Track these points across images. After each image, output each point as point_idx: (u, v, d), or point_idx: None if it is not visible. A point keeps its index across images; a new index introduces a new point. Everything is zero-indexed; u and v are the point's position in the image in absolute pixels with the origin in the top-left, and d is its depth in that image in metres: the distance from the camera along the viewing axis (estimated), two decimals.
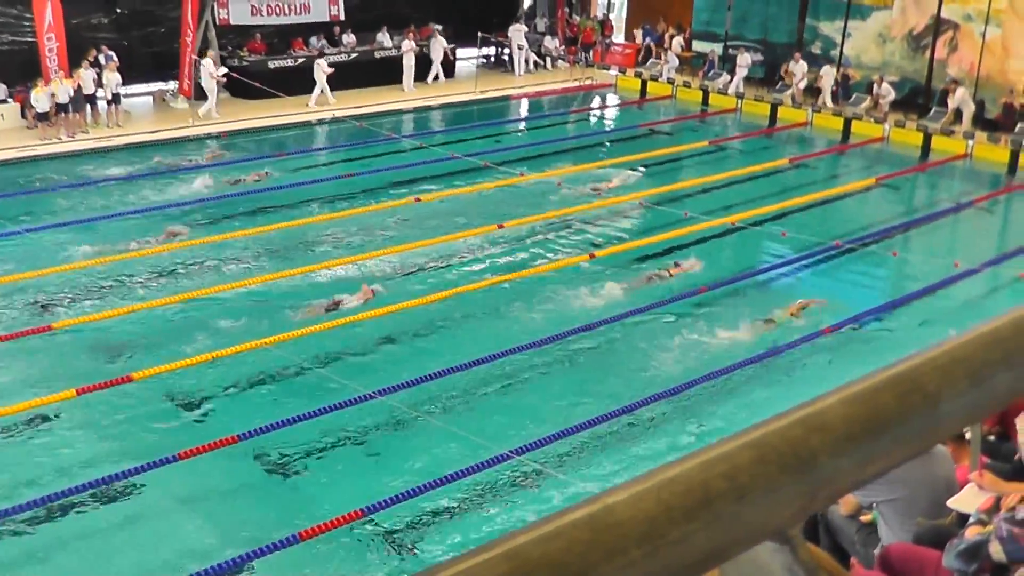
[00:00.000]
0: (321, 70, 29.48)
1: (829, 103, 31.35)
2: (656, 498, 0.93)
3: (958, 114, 29.69)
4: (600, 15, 41.08)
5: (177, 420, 12.50)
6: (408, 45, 32.67)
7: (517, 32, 36.28)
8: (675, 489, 0.95)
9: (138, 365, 13.51)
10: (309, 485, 11.32)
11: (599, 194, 22.36)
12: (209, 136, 25.95)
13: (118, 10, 29.00)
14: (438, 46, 33.70)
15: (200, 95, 27.93)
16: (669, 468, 0.97)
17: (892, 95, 30.65)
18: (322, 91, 29.43)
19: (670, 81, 34.55)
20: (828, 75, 31.67)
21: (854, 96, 31.73)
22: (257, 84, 28.17)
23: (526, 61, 36.67)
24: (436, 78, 33.76)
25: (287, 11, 31.82)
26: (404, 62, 32.44)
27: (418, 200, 21.61)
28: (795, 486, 1.02)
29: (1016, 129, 28.53)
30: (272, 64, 30.17)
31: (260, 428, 11.92)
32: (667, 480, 0.96)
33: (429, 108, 31.09)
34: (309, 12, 32.30)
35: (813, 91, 32.55)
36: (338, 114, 28.26)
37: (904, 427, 1.18)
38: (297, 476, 11.43)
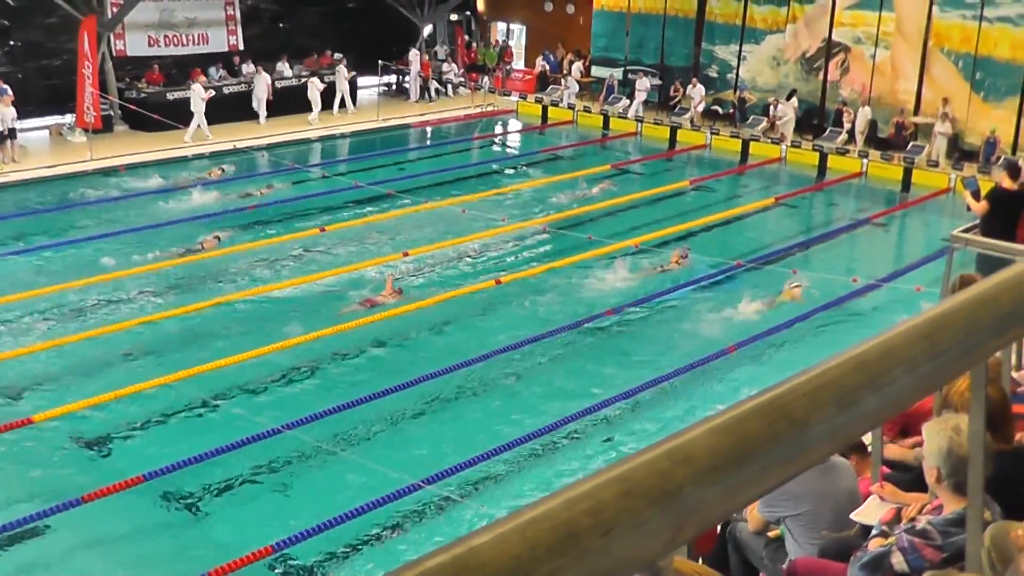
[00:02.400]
0: (198, 96, 28.70)
1: (696, 121, 32.32)
2: (521, 537, 0.93)
3: (852, 133, 30.46)
4: (500, 42, 41.31)
5: (81, 461, 12.16)
6: (313, 75, 32.62)
7: (415, 59, 36.22)
8: (540, 527, 0.95)
9: (39, 406, 13.12)
10: (218, 522, 11.08)
11: (504, 221, 22.27)
12: (109, 170, 25.36)
13: (11, 42, 28.46)
14: (342, 76, 33.41)
15: (138, 124, 27.77)
16: (534, 507, 0.98)
17: (790, 116, 31.14)
18: (199, 125, 28.80)
19: (571, 106, 34.75)
20: (697, 94, 32.51)
21: (751, 118, 32.16)
22: (156, 116, 27.79)
23: (426, 88, 36.67)
24: (343, 106, 33.46)
25: (185, 42, 31.46)
26: (309, 93, 32.13)
27: (323, 230, 21.31)
28: (662, 519, 1.03)
29: (908, 147, 29.21)
30: (171, 95, 29.59)
31: (167, 467, 11.63)
32: (531, 519, 0.96)
33: (332, 137, 30.84)
34: (207, 43, 31.99)
35: (711, 113, 33.19)
36: (239, 145, 27.90)
37: (772, 454, 1.19)
38: (206, 514, 11.21)
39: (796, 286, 18.19)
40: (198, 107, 28.20)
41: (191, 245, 19.65)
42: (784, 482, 1.26)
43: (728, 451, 1.13)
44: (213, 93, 29.26)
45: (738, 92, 32.91)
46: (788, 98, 31.27)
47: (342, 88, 32.97)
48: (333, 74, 33.03)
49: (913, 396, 1.52)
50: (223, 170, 25.34)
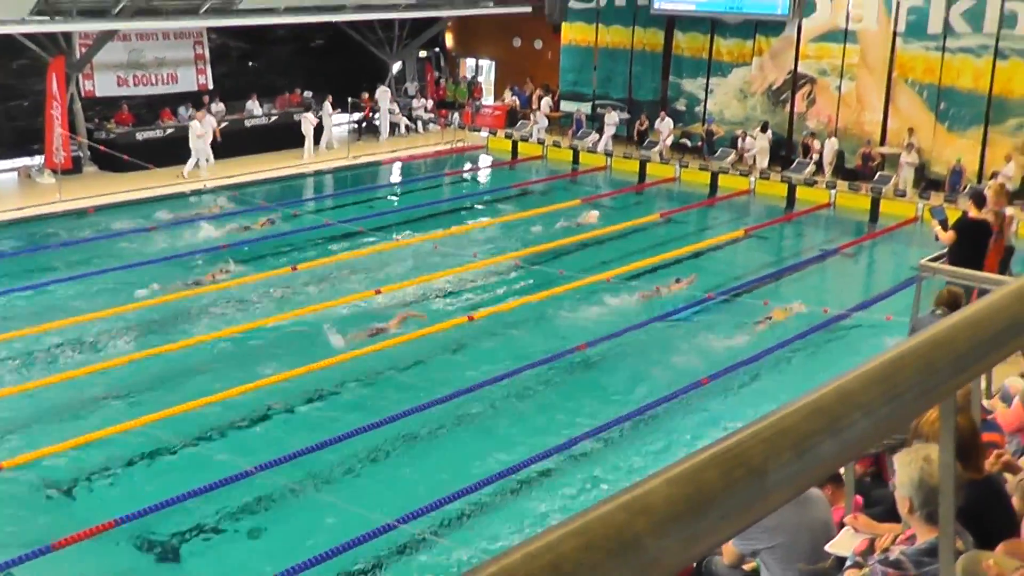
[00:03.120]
0: (195, 132, 28.63)
1: (666, 154, 32.47)
2: None
3: (820, 164, 30.60)
4: (469, 78, 41.37)
5: (51, 507, 11.94)
6: (308, 114, 32.51)
7: (384, 95, 36.09)
8: None
9: (9, 451, 12.93)
10: (193, 567, 10.95)
11: (475, 256, 22.36)
12: (78, 211, 25.10)
13: None
14: (327, 113, 33.33)
15: (107, 164, 27.91)
16: (493, 562, 0.98)
17: (764, 147, 31.36)
18: (196, 163, 28.78)
19: (540, 141, 34.73)
20: (665, 128, 32.79)
21: (719, 151, 32.25)
22: (125, 157, 27.54)
23: (396, 125, 36.58)
24: (329, 145, 33.42)
25: (154, 81, 31.28)
26: (303, 128, 32.08)
27: (295, 269, 21.20)
28: (622, 570, 1.03)
29: (875, 178, 29.26)
30: (140, 135, 29.44)
31: (139, 511, 11.49)
32: (491, 574, 0.96)
33: (302, 176, 30.63)
34: (177, 82, 31.87)
35: (680, 147, 33.32)
36: (209, 184, 27.65)
37: (730, 503, 1.20)
38: (180, 558, 11.08)
39: (785, 308, 18.56)
40: (197, 144, 28.21)
41: (198, 278, 19.89)
42: (743, 529, 1.26)
43: (686, 500, 1.14)
44: (213, 126, 29.29)
45: (706, 125, 33.09)
46: (763, 130, 31.53)
47: (328, 125, 32.88)
48: (309, 111, 32.89)
49: (873, 439, 1.51)
50: (220, 207, 25.70)
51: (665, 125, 33.09)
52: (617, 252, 23.04)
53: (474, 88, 39.93)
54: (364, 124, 36.53)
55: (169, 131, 30.07)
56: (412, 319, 17.45)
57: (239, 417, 14.24)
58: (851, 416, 1.44)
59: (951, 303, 11.15)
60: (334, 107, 33.02)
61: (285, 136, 31.96)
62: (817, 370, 15.77)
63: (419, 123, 36.94)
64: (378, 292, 19.82)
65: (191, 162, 28.76)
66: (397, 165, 32.80)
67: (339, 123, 35.03)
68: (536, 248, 23.01)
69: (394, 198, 28.76)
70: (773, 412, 1.36)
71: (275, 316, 18.22)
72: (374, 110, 35.96)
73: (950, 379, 1.70)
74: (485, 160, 34.85)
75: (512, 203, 28.37)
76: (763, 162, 31.13)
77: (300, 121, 32.20)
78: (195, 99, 31.95)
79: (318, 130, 32.48)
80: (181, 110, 31.37)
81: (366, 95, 35.34)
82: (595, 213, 25.33)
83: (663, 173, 31.95)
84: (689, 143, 33.50)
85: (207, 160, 28.91)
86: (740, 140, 31.83)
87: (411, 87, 39.15)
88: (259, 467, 12.54)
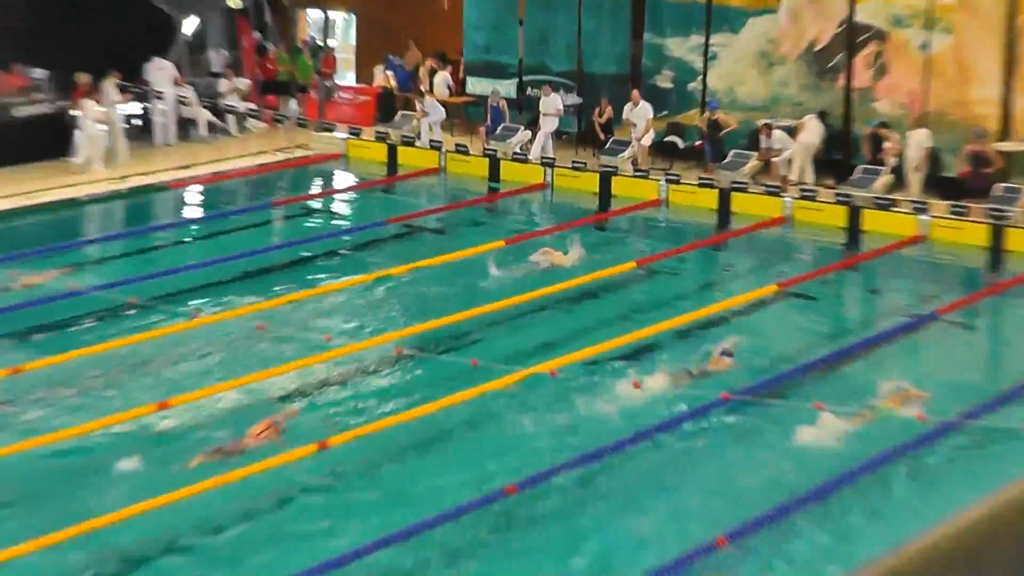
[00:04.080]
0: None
1: (642, 162, 33.02)
2: None
3: (900, 172, 30.16)
4: (313, 42, 41.10)
5: None
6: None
7: (159, 72, 35.42)
8: None
9: None
10: None
11: (327, 341, 21.69)
12: None
13: None
14: (111, 99, 33.21)
15: None
16: None
17: (796, 148, 31.22)
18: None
19: (434, 146, 34.76)
20: (640, 118, 32.90)
21: (730, 154, 31.96)
22: None
23: (192, 122, 36.15)
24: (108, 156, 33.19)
25: None
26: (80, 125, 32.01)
27: (17, 371, 20.34)
28: None
29: (995, 194, 28.69)
30: None
31: None
32: None
33: (34, 211, 30.16)
34: None
35: (665, 149, 33.23)
36: None
37: None
38: None
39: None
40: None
41: None
42: None
43: None
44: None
45: (707, 113, 32.78)
46: (819, 118, 31.65)
47: (91, 125, 32.67)
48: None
49: None
50: None
51: (640, 114, 32.79)
52: (566, 325, 23.30)
53: (323, 59, 39.87)
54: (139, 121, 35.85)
55: None
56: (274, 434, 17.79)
57: None
58: None
59: None
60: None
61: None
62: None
63: (230, 119, 36.78)
64: (162, 407, 18.73)
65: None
66: (194, 190, 32.69)
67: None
68: (431, 324, 22.79)
69: (188, 246, 28.49)
70: None
71: None
72: (146, 98, 35.54)
73: None
74: (343, 178, 35.26)
75: (388, 250, 28.40)
76: (803, 171, 30.99)
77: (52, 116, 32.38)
78: None
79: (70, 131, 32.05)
80: None
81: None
82: (571, 253, 26.13)
83: (639, 192, 31.77)
84: (680, 143, 33.69)
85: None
86: (764, 136, 31.53)
87: (215, 58, 38.99)
88: None
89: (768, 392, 19.98)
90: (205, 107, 36.39)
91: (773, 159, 31.51)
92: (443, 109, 35.68)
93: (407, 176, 34.67)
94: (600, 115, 34.15)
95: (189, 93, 36.12)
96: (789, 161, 31.31)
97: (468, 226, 30.66)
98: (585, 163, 33.08)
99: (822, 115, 31.55)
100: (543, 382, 20.09)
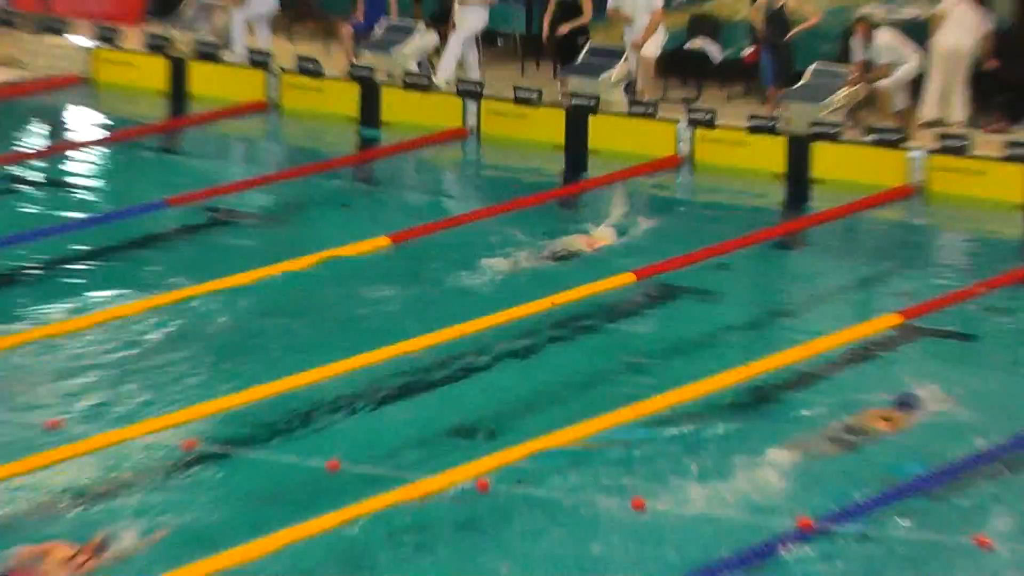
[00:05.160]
0: None
1: (643, 87, 26.88)
2: None
3: None
4: None
5: None
6: None
7: None
8: None
9: None
10: None
11: (55, 429, 16.01)
12: None
13: None
14: None
15: None
16: None
17: (920, 61, 24.99)
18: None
19: (256, 60, 28.17)
20: (642, 7, 26.52)
21: (808, 72, 25.43)
22: None
23: None
24: None
25: None
26: None
27: None
28: None
29: None
30: None
31: None
32: None
33: None
34: None
35: (678, 61, 27.37)
36: None
37: None
38: None
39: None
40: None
41: None
42: None
43: None
44: None
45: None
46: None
47: None
48: None
49: None
50: None
51: (639, 1, 26.17)
52: (512, 385, 17.67)
53: None
54: None
55: None
56: None
57: None
58: None
59: None
60: None
61: None
62: None
63: None
64: None
65: None
66: None
67: None
68: (252, 394, 16.58)
69: None
70: None
71: None
72: None
73: None
74: (85, 121, 28.60)
75: (173, 256, 22.16)
76: (949, 101, 25.12)
77: None
78: None
79: None
80: None
81: None
82: (607, 232, 22.43)
83: (639, 143, 25.61)
84: (714, 53, 27.28)
85: None
86: (860, 40, 24.81)
87: None
88: None
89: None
90: None
91: (877, 82, 24.60)
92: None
93: (206, 117, 28.34)
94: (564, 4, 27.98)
95: None
96: (915, 84, 25.12)
97: (322, 208, 24.52)
98: (539, 91, 26.18)
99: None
100: (470, 503, 14.58)
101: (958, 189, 23.60)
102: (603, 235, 22.04)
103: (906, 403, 16.63)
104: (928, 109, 24.90)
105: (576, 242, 21.66)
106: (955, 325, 19.74)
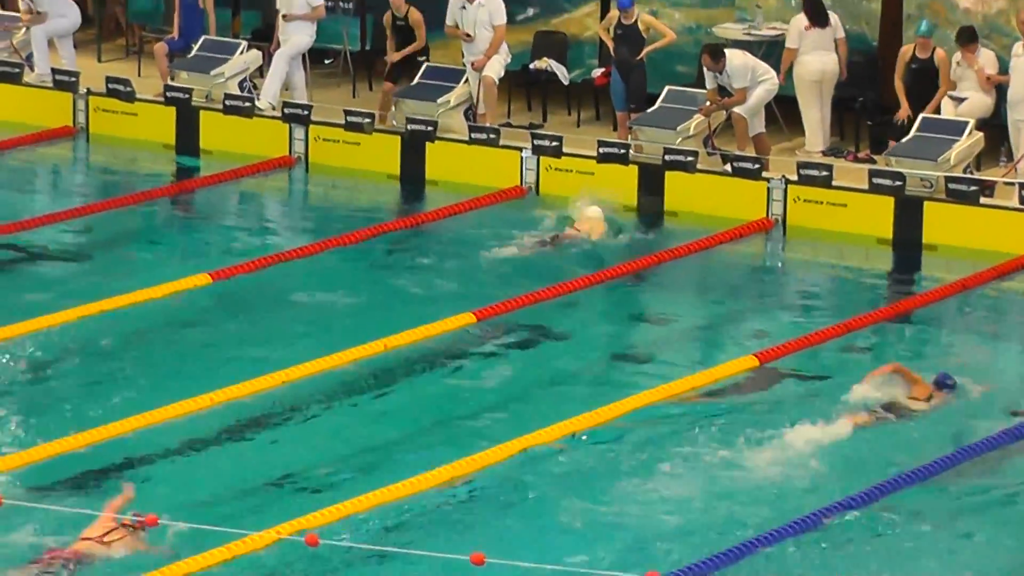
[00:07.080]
0: None
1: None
2: None
3: None
4: None
5: None
6: None
7: None
8: None
9: None
10: None
11: None
12: None
13: None
14: None
15: None
16: None
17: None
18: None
19: (61, 81, 28.22)
20: (483, 22, 27.04)
21: (663, 95, 24.92)
22: None
23: None
24: None
25: None
26: None
27: None
28: None
29: None
30: None
31: None
32: None
33: None
34: None
35: (534, 85, 27.56)
36: None
37: None
38: None
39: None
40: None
41: None
42: None
43: None
44: None
45: (616, 12, 25.41)
46: None
47: None
48: None
49: None
50: None
51: (481, 16, 25.76)
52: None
53: None
54: None
55: None
56: None
57: None
58: None
59: None
60: None
61: None
62: None
63: None
64: None
65: None
66: None
67: None
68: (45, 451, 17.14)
69: None
70: None
71: None
72: None
73: None
74: None
75: None
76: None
77: None
78: None
79: None
80: None
81: None
82: (594, 212, 22.94)
83: (481, 174, 25.36)
84: (561, 72, 26.55)
85: None
86: (710, 65, 24.33)
87: None
88: None
89: None
90: None
91: (726, 107, 23.98)
92: (77, 7, 28.15)
93: (6, 144, 27.09)
94: (398, 18, 26.29)
95: None
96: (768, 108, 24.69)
97: (137, 244, 23.74)
98: (372, 115, 25.43)
99: None
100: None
101: (819, 223, 23.35)
102: (592, 215, 22.05)
103: (943, 383, 16.80)
104: (812, 141, 24.18)
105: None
106: (811, 368, 19.21)
